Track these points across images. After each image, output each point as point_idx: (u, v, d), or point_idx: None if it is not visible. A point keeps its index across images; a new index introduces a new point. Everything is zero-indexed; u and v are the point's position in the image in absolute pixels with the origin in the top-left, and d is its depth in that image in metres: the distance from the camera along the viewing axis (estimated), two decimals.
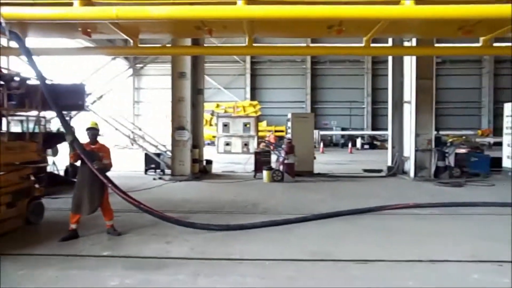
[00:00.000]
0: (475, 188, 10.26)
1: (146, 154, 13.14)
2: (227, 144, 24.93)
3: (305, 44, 26.21)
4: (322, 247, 5.11)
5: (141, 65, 18.39)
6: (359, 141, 31.14)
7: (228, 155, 23.23)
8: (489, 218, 6.76)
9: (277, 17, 5.35)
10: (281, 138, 25.25)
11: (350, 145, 28.17)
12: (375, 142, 31.27)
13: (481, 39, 7.58)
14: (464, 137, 29.73)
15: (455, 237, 5.63)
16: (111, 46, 15.85)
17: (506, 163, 12.68)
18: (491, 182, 11.07)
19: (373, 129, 34.60)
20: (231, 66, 35.65)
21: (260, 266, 4.44)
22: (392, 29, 7.34)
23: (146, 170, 12.94)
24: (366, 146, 30.59)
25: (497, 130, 28.54)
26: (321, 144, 27.93)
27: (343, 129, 34.69)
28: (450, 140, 21.84)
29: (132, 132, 15.09)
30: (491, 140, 27.45)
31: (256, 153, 12.89)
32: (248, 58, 35.13)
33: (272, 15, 5.28)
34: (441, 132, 20.81)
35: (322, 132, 31.78)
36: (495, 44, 7.89)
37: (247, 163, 13.93)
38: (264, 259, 4.63)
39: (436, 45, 10.95)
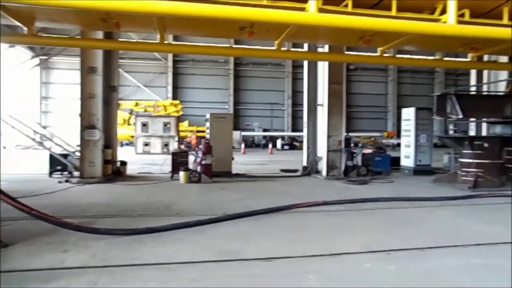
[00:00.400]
0: (378, 185, 11.27)
1: (51, 155, 12.01)
2: (146, 144, 23.98)
3: (228, 45, 26.45)
4: (232, 247, 5.12)
5: (45, 57, 16.74)
6: (279, 142, 32.23)
7: (147, 155, 22.34)
8: (386, 212, 7.46)
9: (183, 14, 5.19)
10: (203, 138, 25.04)
11: (270, 146, 29.02)
12: (294, 143, 32.66)
13: (379, 49, 8.34)
14: (372, 139, 32.75)
15: (354, 230, 6.09)
16: None
17: (403, 162, 14.21)
18: (391, 179, 12.26)
19: (293, 130, 36.17)
20: (152, 64, 34.38)
21: (165, 269, 4.29)
22: (302, 35, 7.71)
23: (51, 173, 11.84)
24: (286, 147, 31.79)
25: (400, 132, 32.04)
26: (243, 145, 28.27)
27: (264, 130, 35.66)
28: (361, 141, 23.75)
29: (35, 131, 13.63)
30: (395, 141, 30.49)
31: (173, 154, 12.56)
32: (170, 56, 34.22)
33: (178, 12, 5.07)
34: (352, 134, 22.45)
35: (244, 133, 32.28)
36: (398, 56, 8.82)
37: (164, 164, 13.53)
38: (170, 263, 4.49)
39: (346, 52, 11.81)
